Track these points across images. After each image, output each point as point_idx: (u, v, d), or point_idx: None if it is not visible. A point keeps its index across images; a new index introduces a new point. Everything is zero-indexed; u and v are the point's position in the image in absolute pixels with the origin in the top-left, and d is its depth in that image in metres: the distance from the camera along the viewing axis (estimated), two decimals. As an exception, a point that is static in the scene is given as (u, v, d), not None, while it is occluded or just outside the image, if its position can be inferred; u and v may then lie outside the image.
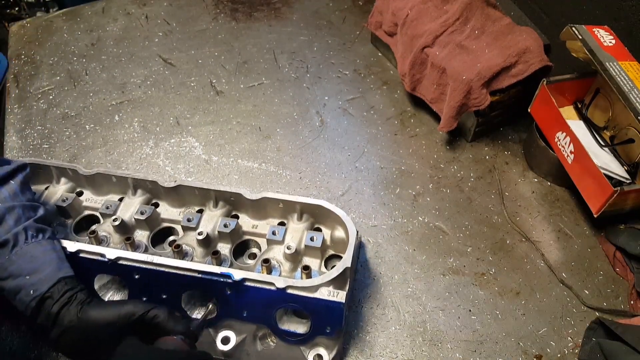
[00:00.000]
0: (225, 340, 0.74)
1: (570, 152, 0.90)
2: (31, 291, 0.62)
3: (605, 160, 0.95)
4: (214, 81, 1.29)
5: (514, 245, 0.94)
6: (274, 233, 0.82)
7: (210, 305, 0.73)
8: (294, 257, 0.81)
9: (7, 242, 0.64)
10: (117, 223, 0.84)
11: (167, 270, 0.72)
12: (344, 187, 1.04)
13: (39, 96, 1.25)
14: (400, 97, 1.24)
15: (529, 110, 1.02)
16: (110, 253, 0.73)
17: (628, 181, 0.92)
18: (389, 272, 0.90)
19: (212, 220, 0.85)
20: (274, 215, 0.87)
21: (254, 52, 1.37)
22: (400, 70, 1.18)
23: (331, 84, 1.28)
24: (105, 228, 0.86)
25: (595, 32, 0.93)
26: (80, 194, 0.92)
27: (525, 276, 0.89)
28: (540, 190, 1.03)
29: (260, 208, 0.86)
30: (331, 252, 0.85)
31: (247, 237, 0.87)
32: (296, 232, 0.83)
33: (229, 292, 0.72)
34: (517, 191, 1.03)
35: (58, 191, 0.91)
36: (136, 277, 0.73)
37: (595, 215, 0.86)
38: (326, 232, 0.85)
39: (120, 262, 0.73)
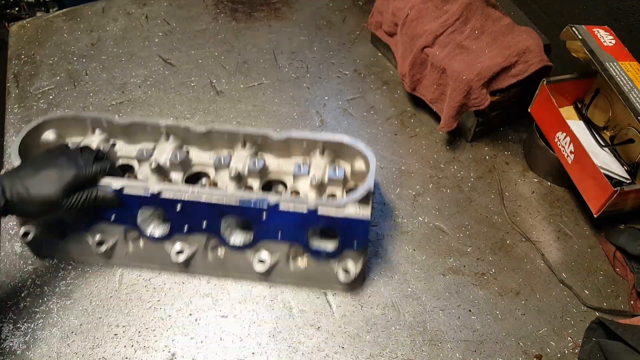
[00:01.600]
0: (261, 262, 0.84)
1: (570, 152, 0.90)
2: None
3: (605, 160, 0.95)
4: (214, 81, 1.29)
5: (514, 245, 0.94)
6: (299, 168, 0.89)
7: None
8: (319, 188, 0.87)
9: None
10: (154, 166, 0.88)
11: (207, 200, 0.79)
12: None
13: (39, 96, 1.25)
14: (400, 97, 1.24)
15: (529, 110, 1.02)
16: (153, 187, 0.80)
17: (628, 181, 0.92)
18: (389, 272, 0.90)
19: (241, 160, 0.91)
20: (297, 153, 0.93)
21: (254, 52, 1.37)
22: (400, 70, 1.18)
23: (331, 84, 1.28)
24: (143, 171, 0.91)
25: (595, 32, 0.93)
26: (113, 145, 0.96)
27: (525, 276, 0.89)
28: (540, 190, 1.03)
29: (285, 148, 0.92)
30: (352, 184, 0.91)
31: (273, 176, 0.93)
32: (319, 167, 0.89)
33: (264, 217, 0.79)
34: (517, 191, 1.03)
35: (93, 142, 0.94)
36: (178, 208, 0.80)
37: (595, 215, 0.86)
38: (346, 167, 0.91)
39: (164, 194, 0.80)
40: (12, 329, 0.82)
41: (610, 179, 0.87)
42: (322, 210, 0.77)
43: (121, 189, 0.80)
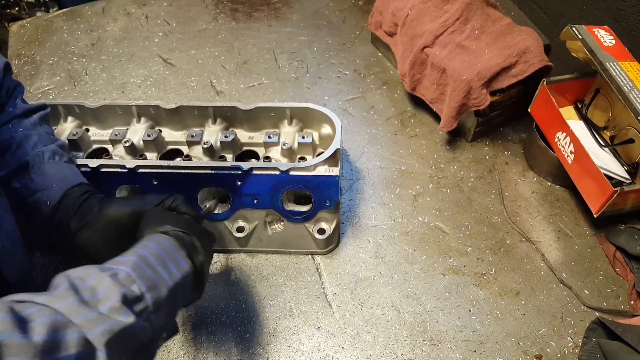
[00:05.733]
0: (240, 230, 0.87)
1: (570, 152, 0.90)
2: (48, 202, 0.66)
3: (605, 160, 0.95)
4: (214, 81, 1.29)
5: (514, 245, 0.94)
6: (269, 137, 0.92)
7: (208, 204, 0.84)
8: (290, 154, 0.92)
9: (26, 163, 0.68)
10: (128, 144, 0.91)
11: (183, 171, 0.81)
12: (344, 187, 1.04)
13: (39, 96, 1.25)
14: (400, 97, 1.24)
15: (529, 110, 1.02)
16: (130, 163, 0.80)
17: (628, 181, 0.92)
18: (389, 272, 0.90)
19: (213, 134, 0.94)
20: (267, 125, 0.96)
21: (254, 52, 1.37)
22: (400, 70, 1.18)
23: (331, 84, 1.28)
24: (117, 152, 0.93)
25: (595, 32, 0.93)
26: (87, 130, 0.97)
27: (525, 276, 0.89)
28: (540, 190, 1.03)
29: (254, 119, 0.95)
30: (320, 150, 0.96)
31: (245, 148, 0.96)
32: (289, 135, 0.94)
33: (239, 183, 0.81)
34: (517, 191, 1.03)
35: (66, 128, 0.96)
36: (155, 183, 0.81)
37: (595, 215, 0.86)
38: (314, 134, 0.95)
39: (140, 170, 0.81)
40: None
41: (610, 179, 0.87)
42: (294, 172, 0.80)
43: (98, 167, 0.81)
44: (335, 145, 0.83)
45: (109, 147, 0.95)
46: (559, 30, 0.95)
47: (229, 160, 0.93)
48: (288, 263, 0.91)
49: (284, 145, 0.90)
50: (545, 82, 0.96)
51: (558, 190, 1.03)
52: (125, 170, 0.81)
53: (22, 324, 0.38)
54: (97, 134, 0.98)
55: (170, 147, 0.97)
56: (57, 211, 0.66)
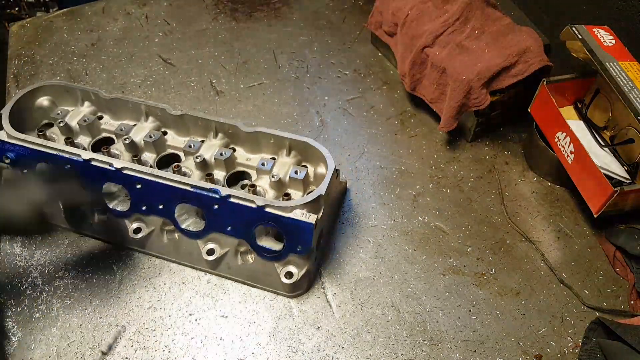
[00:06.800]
0: (210, 252, 0.85)
1: (570, 152, 0.90)
2: None
3: (605, 160, 0.95)
4: (214, 81, 1.29)
5: (514, 245, 0.94)
6: (263, 164, 0.91)
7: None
8: (279, 187, 0.90)
9: None
10: (127, 142, 0.94)
11: (164, 182, 0.83)
12: (344, 187, 1.04)
13: (39, 96, 1.25)
14: (400, 97, 1.24)
15: (529, 110, 1.02)
16: (117, 163, 0.84)
17: (628, 181, 0.92)
18: (389, 272, 0.90)
19: (211, 149, 0.95)
20: (267, 150, 0.96)
21: (254, 52, 1.37)
22: (400, 70, 1.18)
23: (331, 84, 1.28)
24: (118, 147, 0.96)
25: (595, 32, 0.93)
26: (100, 117, 1.03)
27: (525, 276, 0.89)
28: (540, 190, 1.03)
29: (255, 142, 0.95)
30: (313, 187, 0.93)
31: (241, 168, 0.96)
32: (284, 165, 0.92)
33: (215, 207, 0.81)
34: (517, 191, 1.03)
35: (81, 112, 1.00)
36: (138, 187, 0.84)
37: (595, 215, 0.86)
38: (310, 169, 0.93)
39: (125, 171, 0.84)
40: (12, 329, 0.82)
41: (610, 179, 0.87)
42: (270, 209, 0.78)
43: (90, 160, 0.85)
44: (319, 191, 0.80)
45: (115, 137, 0.98)
46: (559, 30, 0.95)
47: (222, 178, 0.93)
48: (288, 263, 0.91)
49: (272, 177, 0.88)
50: (545, 82, 0.96)
51: (558, 190, 1.03)
52: (113, 169, 0.84)
53: None
54: (109, 122, 1.01)
55: (170, 150, 0.98)
56: None
